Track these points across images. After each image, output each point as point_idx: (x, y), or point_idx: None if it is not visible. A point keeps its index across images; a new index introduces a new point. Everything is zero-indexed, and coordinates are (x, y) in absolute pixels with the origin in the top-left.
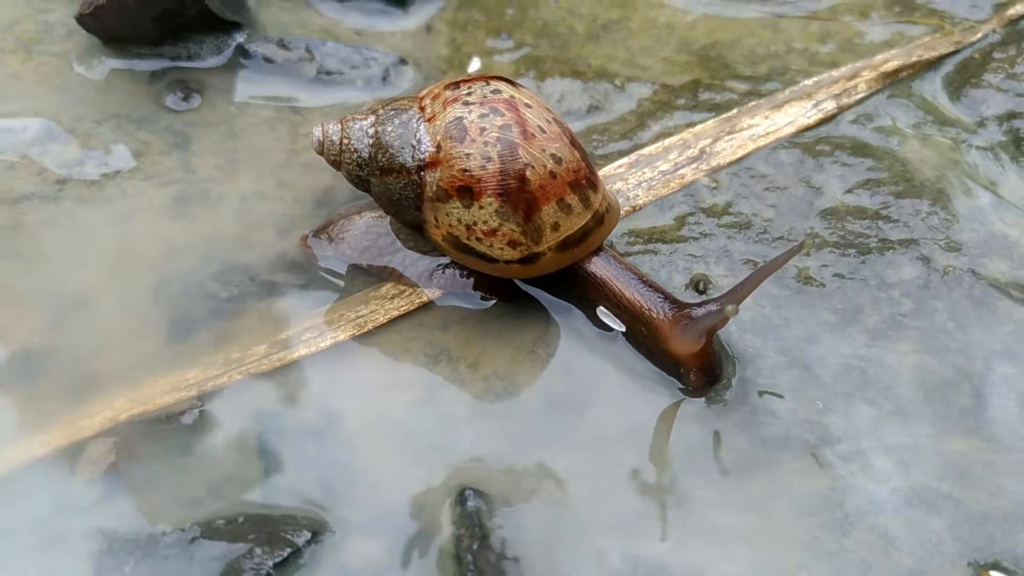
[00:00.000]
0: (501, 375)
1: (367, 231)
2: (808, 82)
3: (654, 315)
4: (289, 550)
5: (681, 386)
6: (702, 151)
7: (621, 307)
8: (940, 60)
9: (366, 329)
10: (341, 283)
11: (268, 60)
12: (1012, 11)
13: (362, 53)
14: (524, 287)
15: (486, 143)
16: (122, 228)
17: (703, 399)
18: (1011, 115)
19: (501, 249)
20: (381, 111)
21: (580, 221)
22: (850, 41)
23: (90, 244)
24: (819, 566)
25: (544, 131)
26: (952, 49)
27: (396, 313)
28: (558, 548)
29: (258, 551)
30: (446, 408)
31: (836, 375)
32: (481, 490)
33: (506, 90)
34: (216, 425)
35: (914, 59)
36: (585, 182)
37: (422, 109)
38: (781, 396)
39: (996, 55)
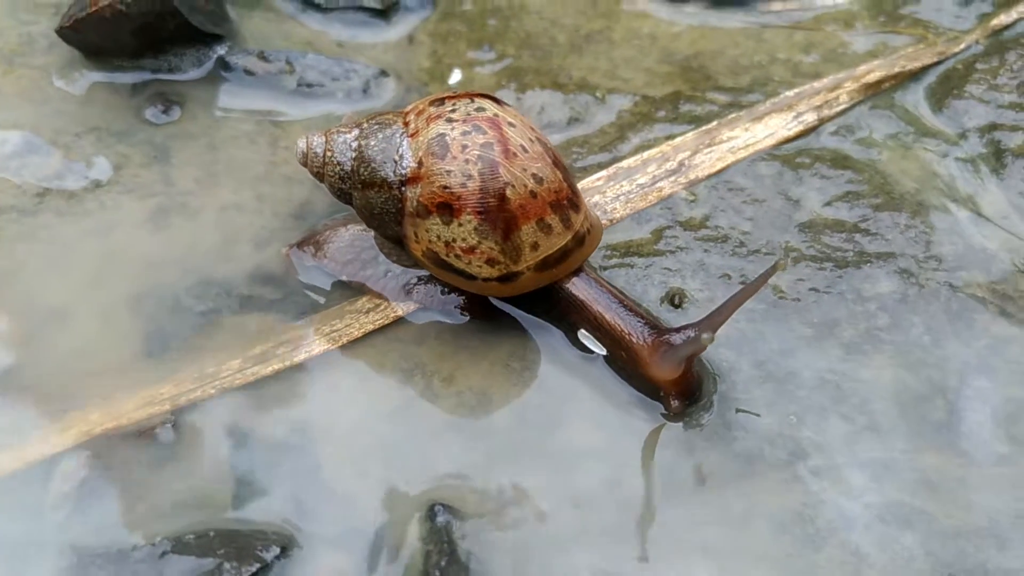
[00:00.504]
0: (475, 390)
1: (351, 244)
2: (789, 94)
3: (634, 340)
4: (258, 565)
5: (663, 411)
6: (681, 164)
7: (601, 331)
8: (923, 71)
9: (340, 343)
10: (321, 298)
11: (249, 72)
12: (995, 21)
13: (343, 65)
14: (503, 307)
15: (467, 161)
16: (100, 241)
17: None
18: (992, 127)
19: (479, 267)
20: (365, 125)
21: (560, 241)
22: (834, 51)
23: (68, 257)
24: None
25: (526, 150)
26: (935, 60)
27: (371, 327)
28: (528, 564)
29: (227, 566)
30: (419, 422)
31: (811, 389)
32: (451, 506)
33: (490, 108)
34: (189, 440)
35: (896, 70)
36: (566, 202)
37: (406, 124)
38: (758, 415)
39: (979, 66)
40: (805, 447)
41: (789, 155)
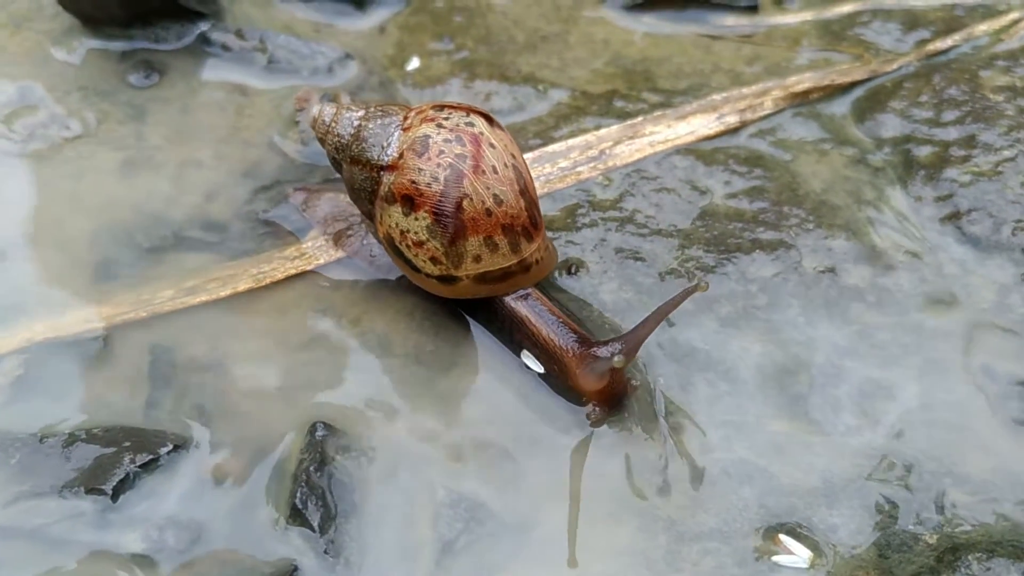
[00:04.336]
0: (378, 332)
1: (340, 205)
2: (717, 97)
3: (564, 353)
4: (151, 456)
5: (588, 420)
6: (602, 152)
7: (539, 347)
8: (852, 86)
9: (263, 283)
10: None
11: (225, 48)
12: (932, 47)
13: (310, 47)
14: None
15: (439, 165)
16: (72, 184)
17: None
18: (907, 139)
19: (424, 262)
20: (372, 109)
21: (503, 263)
22: (777, 65)
23: (42, 195)
24: (628, 517)
25: (496, 172)
26: (866, 76)
27: (293, 271)
28: (392, 480)
29: (125, 456)
30: (322, 356)
31: (682, 355)
32: (333, 426)
33: (480, 126)
34: (116, 352)
35: (826, 82)
36: (520, 230)
37: (405, 119)
38: (636, 384)
39: (907, 84)
40: (668, 406)
41: (705, 151)
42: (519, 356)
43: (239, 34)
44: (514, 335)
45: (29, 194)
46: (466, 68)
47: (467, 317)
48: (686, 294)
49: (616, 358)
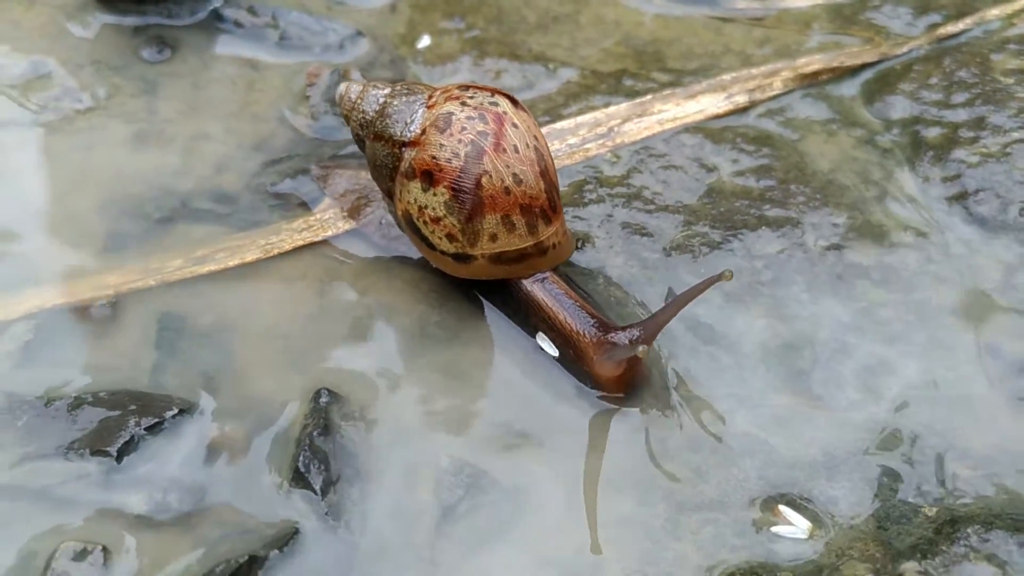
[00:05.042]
0: (383, 303)
1: (358, 180)
2: (726, 77)
3: (582, 337)
4: (155, 419)
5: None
6: (610, 129)
7: (555, 330)
8: (862, 68)
9: (272, 254)
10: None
11: (238, 24)
12: (942, 30)
13: (322, 24)
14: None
15: (460, 141)
16: (84, 155)
17: None
18: (916, 120)
19: (440, 239)
20: (398, 87)
21: (519, 243)
22: (787, 47)
23: (53, 166)
24: (625, 485)
25: (517, 151)
26: (876, 59)
27: (301, 243)
28: (395, 446)
29: (131, 419)
30: (328, 326)
31: (685, 329)
32: (337, 393)
33: (503, 105)
34: (124, 319)
35: (836, 64)
36: (538, 211)
37: (430, 97)
38: (645, 354)
39: (916, 68)
40: (671, 378)
41: (714, 130)
42: (534, 338)
43: (251, 10)
44: (530, 318)
45: (42, 165)
46: (476, 46)
47: (476, 293)
48: (709, 283)
49: (640, 348)
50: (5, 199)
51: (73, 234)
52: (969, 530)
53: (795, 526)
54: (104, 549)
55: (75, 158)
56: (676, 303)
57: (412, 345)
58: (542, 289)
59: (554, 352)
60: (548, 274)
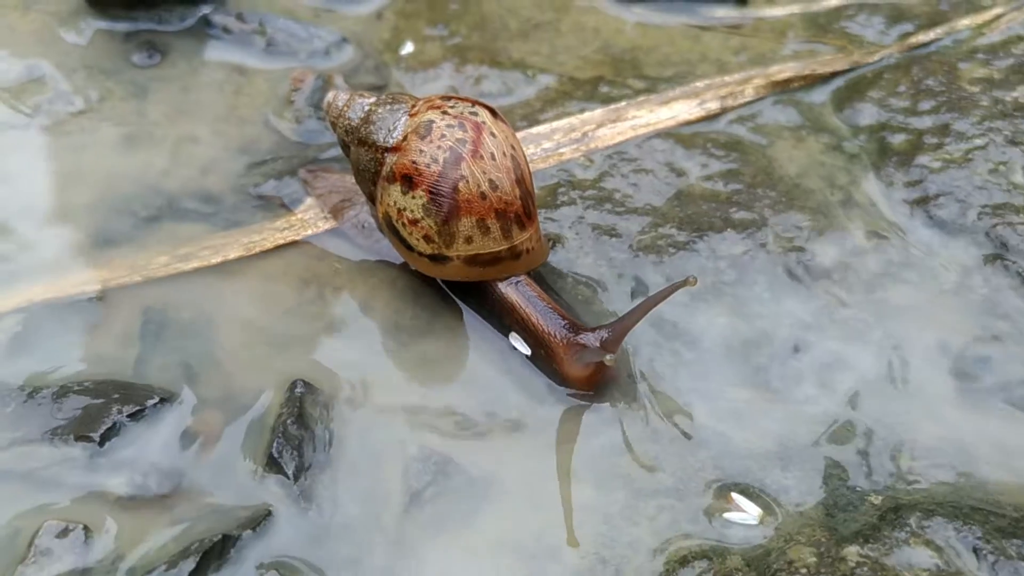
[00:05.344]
0: (360, 300)
1: (342, 183)
2: (699, 84)
3: (552, 338)
4: (137, 407)
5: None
6: (584, 134)
7: (527, 331)
8: (833, 76)
9: (253, 252)
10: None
11: (226, 30)
12: (914, 39)
13: (308, 30)
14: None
15: (439, 147)
16: (75, 156)
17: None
18: (882, 126)
19: (417, 240)
20: (384, 97)
21: (493, 247)
22: (762, 55)
23: (46, 166)
24: (585, 474)
25: (494, 159)
26: (848, 67)
27: (282, 241)
28: (366, 435)
29: (114, 407)
30: (305, 322)
31: (649, 326)
32: (312, 384)
33: (483, 116)
34: (110, 312)
35: (807, 72)
36: (513, 216)
37: (413, 106)
38: (613, 362)
39: (886, 75)
40: (635, 373)
41: (685, 135)
42: (507, 338)
43: (240, 17)
44: (504, 319)
45: (34, 165)
46: (458, 53)
47: (451, 294)
48: (674, 288)
49: (607, 357)
50: None
51: (63, 231)
52: (911, 518)
53: (746, 513)
54: (85, 528)
55: (67, 159)
56: (642, 307)
57: (386, 339)
58: (515, 291)
59: (526, 351)
60: (522, 277)
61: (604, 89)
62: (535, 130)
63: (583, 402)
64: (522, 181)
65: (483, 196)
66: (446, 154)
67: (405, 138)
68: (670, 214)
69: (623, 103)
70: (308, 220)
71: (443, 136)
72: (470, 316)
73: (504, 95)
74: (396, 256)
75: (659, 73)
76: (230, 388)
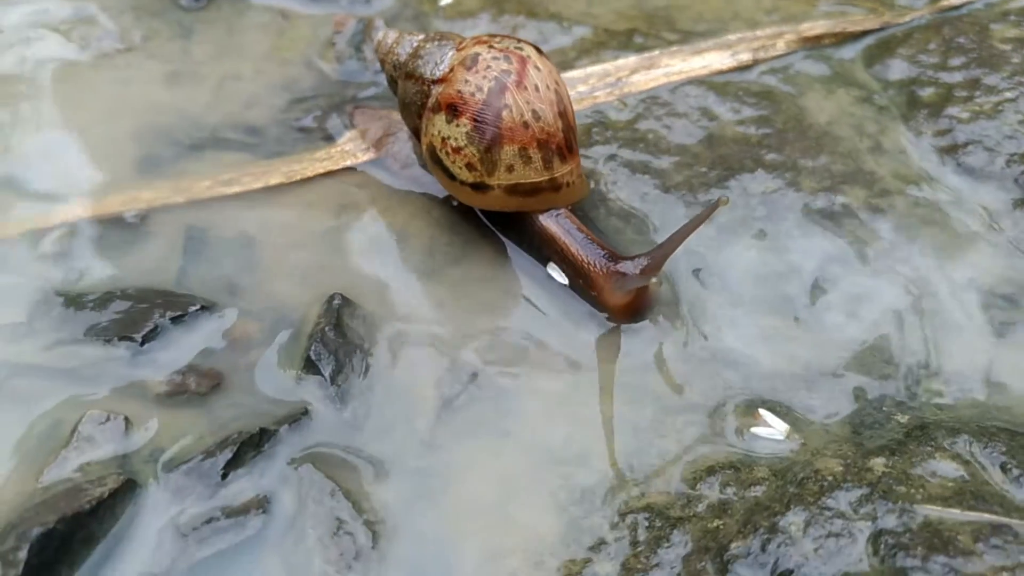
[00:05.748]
0: (396, 226)
1: (387, 116)
2: (732, 37)
3: (592, 268)
4: (179, 312)
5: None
6: (618, 79)
7: (567, 261)
8: (864, 34)
9: (294, 180)
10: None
11: None
12: (945, 2)
13: None
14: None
15: (484, 77)
16: (120, 89)
17: None
18: (912, 81)
19: (460, 168)
20: (432, 34)
21: (534, 176)
22: (794, 15)
23: (93, 98)
24: (619, 391)
25: (538, 91)
26: (878, 26)
27: (322, 170)
28: (400, 347)
29: (156, 311)
30: (344, 244)
31: (677, 257)
32: (350, 299)
33: (527, 51)
34: (153, 229)
35: (838, 30)
36: (555, 147)
37: (460, 43)
38: (660, 282)
39: (916, 35)
40: (663, 299)
41: (717, 83)
42: (544, 267)
43: None
44: (542, 250)
45: (81, 96)
46: (495, 4)
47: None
48: (709, 211)
49: (651, 278)
50: (49, 123)
51: (109, 156)
52: (937, 434)
53: (774, 428)
54: (126, 419)
55: (113, 91)
56: (680, 233)
57: (422, 262)
58: (555, 222)
59: (564, 280)
60: (562, 210)
61: (638, 40)
62: (570, 74)
63: (615, 324)
64: (564, 115)
65: (526, 125)
66: (491, 83)
67: (452, 70)
68: (702, 155)
69: (656, 52)
70: (348, 151)
71: (488, 67)
72: (504, 245)
73: (540, 43)
74: (435, 188)
75: (692, 27)
76: (270, 301)
